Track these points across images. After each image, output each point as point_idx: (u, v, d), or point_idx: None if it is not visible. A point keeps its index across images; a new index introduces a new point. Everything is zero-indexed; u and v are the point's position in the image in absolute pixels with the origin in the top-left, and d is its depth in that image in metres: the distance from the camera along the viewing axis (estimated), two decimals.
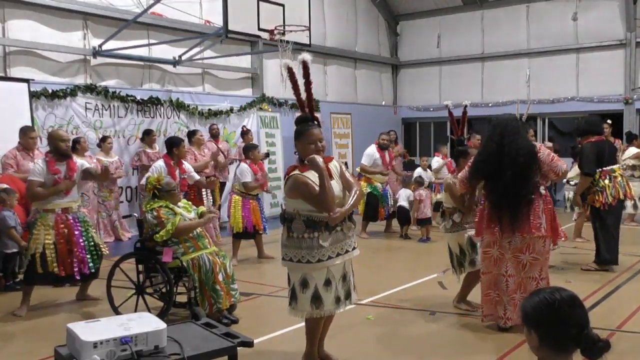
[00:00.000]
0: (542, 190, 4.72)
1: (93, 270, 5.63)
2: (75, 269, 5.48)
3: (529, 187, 4.61)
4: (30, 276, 5.46)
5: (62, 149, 5.66)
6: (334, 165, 4.02)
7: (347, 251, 3.94)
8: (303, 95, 4.36)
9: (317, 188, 3.75)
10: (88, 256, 5.56)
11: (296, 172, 3.88)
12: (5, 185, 6.29)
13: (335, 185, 3.91)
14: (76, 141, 8.55)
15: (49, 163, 5.55)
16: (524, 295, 4.55)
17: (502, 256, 4.72)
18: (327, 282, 3.87)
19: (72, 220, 5.56)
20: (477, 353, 4.47)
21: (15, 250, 6.07)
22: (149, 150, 9.37)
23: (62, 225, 5.48)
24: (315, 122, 4.04)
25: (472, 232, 5.25)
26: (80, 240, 5.55)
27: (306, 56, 4.22)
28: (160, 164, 7.26)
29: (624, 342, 4.55)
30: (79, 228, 5.58)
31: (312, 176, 3.82)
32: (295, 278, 3.93)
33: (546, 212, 4.68)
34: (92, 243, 5.64)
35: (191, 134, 9.31)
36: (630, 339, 4.66)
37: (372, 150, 9.54)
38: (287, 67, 4.27)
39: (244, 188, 7.53)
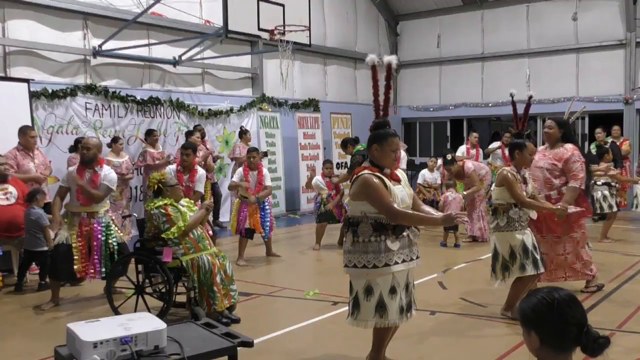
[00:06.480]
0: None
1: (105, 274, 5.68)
2: (91, 271, 5.62)
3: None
4: (56, 270, 5.65)
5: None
6: (399, 172, 3.93)
7: (411, 259, 3.79)
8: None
9: (386, 192, 3.62)
10: (102, 261, 5.63)
11: (366, 172, 3.73)
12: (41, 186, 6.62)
13: (402, 191, 3.79)
14: (78, 141, 8.55)
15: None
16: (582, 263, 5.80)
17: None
18: (393, 290, 3.70)
19: (95, 225, 5.67)
20: (477, 353, 4.47)
21: (45, 248, 6.12)
22: (151, 150, 9.35)
23: (85, 228, 5.62)
24: (394, 130, 3.90)
25: (521, 235, 4.93)
26: (100, 244, 5.66)
27: (392, 59, 3.96)
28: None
29: (624, 342, 4.55)
30: (101, 234, 5.68)
31: (385, 180, 3.70)
32: (359, 285, 3.75)
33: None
34: (110, 248, 5.70)
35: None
36: (630, 339, 4.66)
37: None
38: (372, 63, 3.98)
39: (228, 187, 7.68)
